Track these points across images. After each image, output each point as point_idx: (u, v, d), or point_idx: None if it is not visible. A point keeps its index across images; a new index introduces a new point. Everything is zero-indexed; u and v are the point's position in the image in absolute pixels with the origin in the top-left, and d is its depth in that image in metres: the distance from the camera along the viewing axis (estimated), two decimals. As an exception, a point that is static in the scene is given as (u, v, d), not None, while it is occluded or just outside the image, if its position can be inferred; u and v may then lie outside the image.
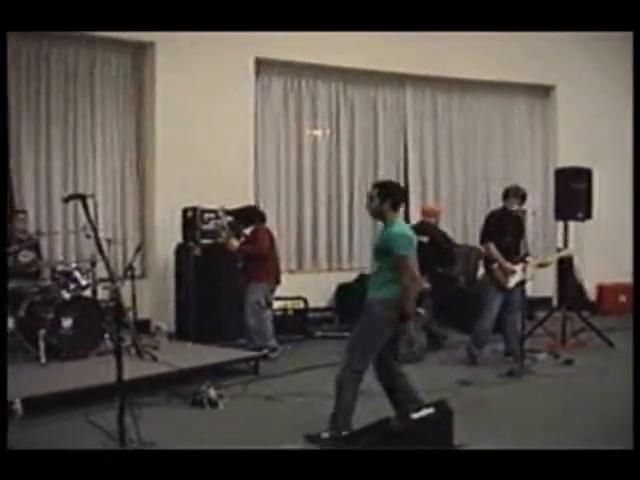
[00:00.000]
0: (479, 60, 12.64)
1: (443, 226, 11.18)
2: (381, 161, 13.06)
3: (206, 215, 10.23)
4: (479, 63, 12.73)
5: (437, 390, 6.98)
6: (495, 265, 8.96)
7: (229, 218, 9.89)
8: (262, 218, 9.55)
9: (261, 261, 9.14)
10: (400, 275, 6.01)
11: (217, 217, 9.83)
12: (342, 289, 12.30)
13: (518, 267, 8.93)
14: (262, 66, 11.97)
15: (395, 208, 6.24)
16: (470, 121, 13.66)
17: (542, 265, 9.70)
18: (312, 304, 11.22)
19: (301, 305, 11.07)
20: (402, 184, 12.87)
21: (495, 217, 9.24)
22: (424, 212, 10.47)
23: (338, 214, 12.78)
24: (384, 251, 6.11)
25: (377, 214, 6.31)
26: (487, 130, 13.79)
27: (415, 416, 5.52)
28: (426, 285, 9.11)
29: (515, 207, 9.05)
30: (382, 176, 12.74)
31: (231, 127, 11.36)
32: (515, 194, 9.19)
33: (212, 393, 7.24)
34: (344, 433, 5.95)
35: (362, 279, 12.22)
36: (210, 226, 10.05)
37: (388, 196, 6.20)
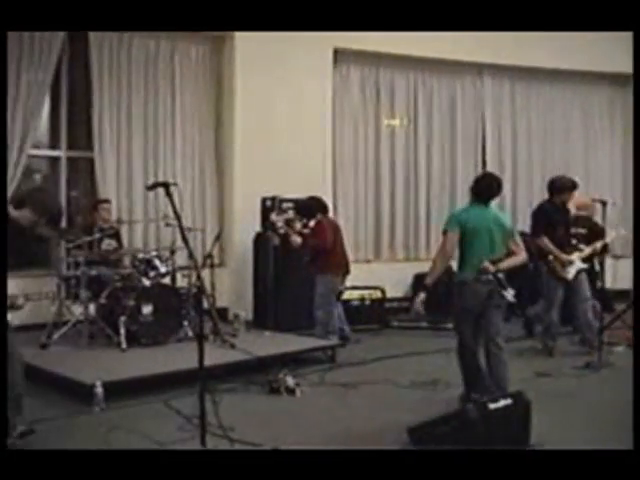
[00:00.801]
0: (557, 48, 12.42)
1: (523, 215, 11.04)
2: (459, 151, 12.99)
3: (284, 205, 10.25)
4: (557, 51, 12.52)
5: (514, 381, 6.91)
6: (551, 257, 8.87)
7: (289, 212, 9.91)
8: (325, 209, 9.45)
9: (326, 253, 9.07)
10: (465, 257, 6.61)
11: (272, 219, 9.78)
12: (419, 279, 12.21)
13: (574, 257, 8.92)
14: (340, 56, 11.97)
15: (475, 197, 6.74)
16: (549, 110, 13.50)
17: (597, 253, 9.45)
18: (389, 294, 11.19)
19: (378, 295, 11.04)
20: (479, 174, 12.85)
21: (545, 211, 9.08)
22: (577, 206, 10.21)
23: (416, 204, 12.74)
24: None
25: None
26: (566, 119, 13.62)
27: (492, 406, 5.49)
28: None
29: (558, 200, 8.97)
30: (459, 166, 12.70)
31: (309, 117, 11.40)
32: (561, 185, 9.03)
33: (289, 381, 7.27)
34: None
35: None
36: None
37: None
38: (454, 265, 6.89)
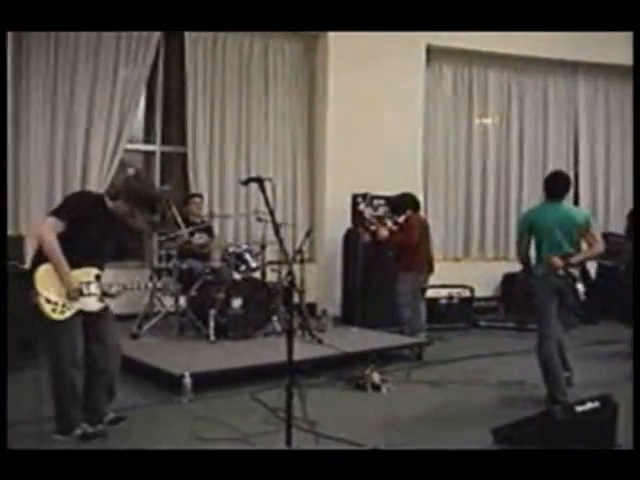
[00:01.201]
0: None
1: (615, 219, 10.84)
2: (550, 150, 12.86)
3: (376, 201, 10.23)
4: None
5: (602, 384, 6.81)
6: None
7: (377, 207, 9.88)
8: (416, 205, 9.40)
9: (411, 250, 9.01)
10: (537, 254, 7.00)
11: (361, 210, 9.75)
12: (508, 279, 12.13)
13: None
14: (433, 54, 11.93)
15: (547, 195, 7.06)
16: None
17: None
18: (478, 293, 11.09)
19: (467, 293, 10.98)
20: (572, 174, 12.66)
21: None
22: None
23: (506, 203, 12.64)
24: None
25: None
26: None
27: (579, 409, 5.42)
28: None
29: None
30: (551, 165, 12.53)
31: (401, 114, 11.38)
32: None
33: (375, 377, 7.27)
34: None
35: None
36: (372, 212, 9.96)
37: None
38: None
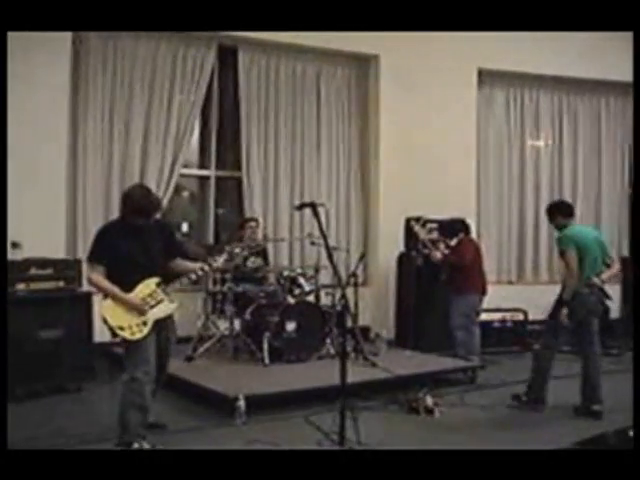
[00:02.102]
0: None
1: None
2: (604, 172, 12.76)
3: (429, 225, 10.24)
4: None
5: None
6: None
7: (430, 231, 9.91)
8: (467, 229, 9.44)
9: (465, 272, 9.01)
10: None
11: (416, 230, 9.77)
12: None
13: None
14: (484, 77, 11.94)
15: (565, 217, 7.57)
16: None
17: None
18: (531, 316, 10.99)
19: (520, 317, 10.93)
20: (626, 197, 12.59)
21: None
22: None
23: (560, 226, 12.53)
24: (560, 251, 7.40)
25: (558, 227, 7.59)
26: None
27: (632, 433, 5.38)
28: None
29: None
30: (604, 187, 12.50)
31: (454, 138, 11.40)
32: None
33: (428, 400, 7.29)
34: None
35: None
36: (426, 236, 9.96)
37: (551, 214, 7.69)
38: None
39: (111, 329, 5.72)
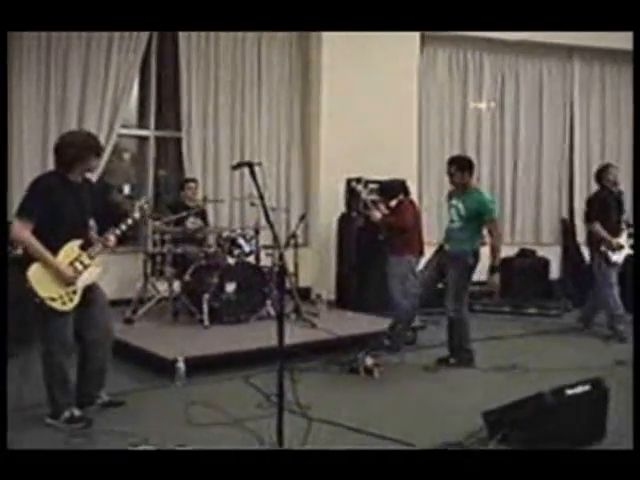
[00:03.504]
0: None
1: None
2: (545, 135, 12.83)
3: (370, 186, 10.20)
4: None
5: (595, 368, 6.88)
6: (604, 243, 9.16)
7: (371, 191, 9.87)
8: (406, 190, 9.42)
9: (404, 234, 8.93)
10: (478, 231, 7.58)
11: (358, 190, 9.74)
12: (503, 263, 12.10)
13: (623, 241, 9.27)
14: (427, 38, 11.90)
15: (472, 176, 7.71)
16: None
17: None
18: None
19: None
20: (567, 159, 12.69)
21: (599, 198, 9.42)
22: None
23: (501, 188, 12.63)
24: (477, 212, 7.47)
25: (461, 185, 7.65)
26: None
27: (570, 392, 5.44)
28: None
29: (611, 185, 9.42)
30: (546, 150, 12.58)
31: (396, 99, 11.35)
32: (607, 173, 9.48)
33: (368, 361, 7.30)
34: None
35: (524, 253, 12.13)
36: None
37: (463, 168, 7.63)
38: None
39: (37, 298, 5.30)
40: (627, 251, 9.27)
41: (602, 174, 9.48)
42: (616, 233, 9.21)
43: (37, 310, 5.38)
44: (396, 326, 8.02)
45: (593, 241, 9.37)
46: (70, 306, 5.43)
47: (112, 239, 5.72)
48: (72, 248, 5.49)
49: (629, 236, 9.32)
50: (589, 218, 9.39)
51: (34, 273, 5.30)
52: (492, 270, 7.65)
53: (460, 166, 7.64)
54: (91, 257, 5.58)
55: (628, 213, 9.68)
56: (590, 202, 9.50)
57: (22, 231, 5.25)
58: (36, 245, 5.27)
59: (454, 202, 7.68)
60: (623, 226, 9.37)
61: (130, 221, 5.90)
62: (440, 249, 7.96)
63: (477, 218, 7.50)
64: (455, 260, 7.62)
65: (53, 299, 5.33)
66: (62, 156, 5.51)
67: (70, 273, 5.40)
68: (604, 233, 9.12)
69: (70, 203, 5.46)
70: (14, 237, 5.35)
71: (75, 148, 5.48)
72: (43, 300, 5.30)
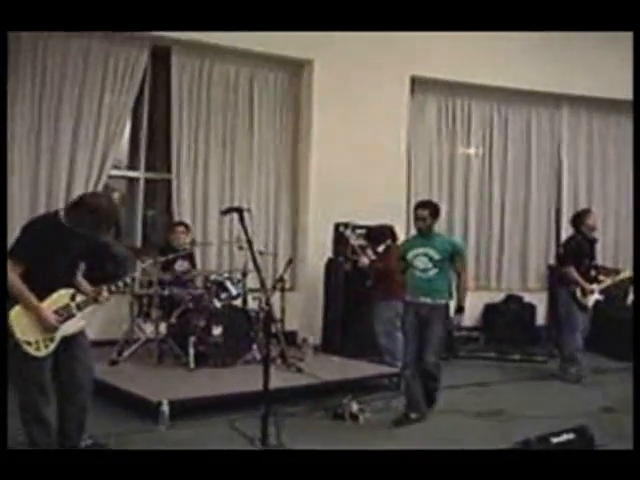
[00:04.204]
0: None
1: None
2: (533, 182, 12.93)
3: (358, 231, 10.23)
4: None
5: (578, 415, 6.91)
6: (576, 287, 9.37)
7: (359, 237, 9.91)
8: (394, 236, 9.50)
9: (391, 278, 8.79)
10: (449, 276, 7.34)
11: (347, 235, 9.78)
12: (489, 309, 12.22)
13: (595, 287, 9.42)
14: (417, 84, 12.01)
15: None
16: (626, 142, 13.25)
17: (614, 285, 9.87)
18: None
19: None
20: (554, 206, 12.79)
21: (575, 242, 9.65)
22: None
23: (489, 234, 12.71)
24: (449, 253, 7.29)
25: (429, 229, 7.39)
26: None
27: (555, 440, 5.47)
28: None
29: (588, 230, 9.63)
30: (534, 197, 12.67)
31: (385, 144, 11.44)
32: (587, 218, 9.69)
33: (354, 407, 7.28)
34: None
35: (511, 300, 12.18)
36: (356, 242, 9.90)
37: (436, 214, 7.46)
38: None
39: (12, 339, 5.21)
40: (597, 297, 9.42)
41: (581, 219, 9.68)
42: (588, 278, 9.39)
43: (12, 351, 5.29)
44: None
45: (564, 283, 9.55)
46: (43, 353, 5.33)
47: (105, 295, 5.64)
48: (63, 296, 5.44)
49: (597, 282, 9.49)
50: (564, 262, 9.60)
51: (17, 314, 5.24)
52: (459, 310, 7.40)
53: (434, 212, 7.42)
54: (79, 308, 5.51)
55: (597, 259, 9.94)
56: (565, 246, 9.77)
57: (9, 272, 5.20)
58: (20, 287, 5.22)
59: (420, 250, 7.35)
60: (593, 272, 9.54)
61: (128, 280, 5.89)
62: (412, 304, 7.43)
63: (449, 260, 7.31)
64: (437, 311, 7.27)
65: (28, 343, 5.25)
66: (77, 212, 5.42)
67: (52, 321, 5.32)
68: (577, 277, 9.31)
69: (60, 249, 5.40)
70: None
71: (94, 217, 5.39)
72: (17, 342, 5.22)
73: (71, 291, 5.49)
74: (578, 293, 9.34)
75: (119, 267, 8.23)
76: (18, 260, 5.25)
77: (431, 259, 7.26)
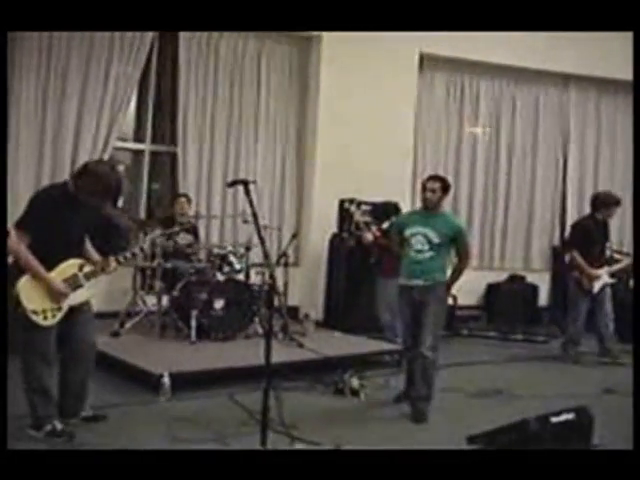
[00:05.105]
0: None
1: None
2: (539, 161, 12.87)
3: (363, 207, 10.19)
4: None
5: (579, 395, 6.91)
6: (581, 272, 9.25)
7: (364, 213, 9.87)
8: (399, 213, 9.47)
9: (394, 255, 8.88)
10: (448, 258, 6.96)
11: (352, 211, 9.75)
12: (492, 288, 12.21)
13: (602, 271, 9.26)
14: (426, 62, 11.96)
15: None
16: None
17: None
18: (461, 301, 11.06)
19: (449, 301, 10.98)
20: (560, 186, 12.76)
21: (582, 226, 9.47)
22: None
23: (493, 213, 12.66)
24: (450, 238, 6.79)
25: (436, 205, 6.90)
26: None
27: (555, 420, 5.46)
28: None
29: (601, 216, 9.37)
30: (539, 177, 12.61)
31: (392, 121, 11.40)
32: (605, 200, 9.41)
33: (354, 382, 7.30)
34: None
35: (513, 279, 12.18)
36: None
37: (447, 190, 6.98)
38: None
39: (20, 308, 5.28)
40: (605, 280, 9.28)
41: (600, 199, 9.45)
42: (596, 264, 9.23)
43: (18, 321, 5.35)
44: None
45: (570, 267, 9.47)
46: (51, 322, 5.40)
47: (113, 265, 5.75)
48: (72, 266, 5.49)
49: (612, 262, 9.46)
50: (569, 245, 9.53)
51: (24, 284, 5.28)
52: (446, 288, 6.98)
53: (445, 187, 6.92)
54: (87, 278, 5.57)
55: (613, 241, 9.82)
56: (572, 229, 9.63)
57: (15, 243, 5.23)
58: (27, 257, 5.25)
59: (420, 229, 6.83)
60: (608, 253, 9.48)
61: (137, 250, 5.94)
62: (405, 287, 6.98)
63: (449, 244, 6.86)
64: (434, 293, 6.79)
65: (35, 312, 5.31)
66: (84, 181, 5.45)
67: (62, 290, 5.38)
68: (582, 262, 9.18)
69: (68, 219, 5.44)
70: (8, 245, 5.27)
71: (101, 185, 5.44)
72: (25, 311, 5.27)
73: (79, 261, 5.54)
74: (581, 278, 9.23)
75: (122, 239, 8.25)
76: (26, 231, 5.29)
77: (429, 241, 6.76)
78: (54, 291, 5.35)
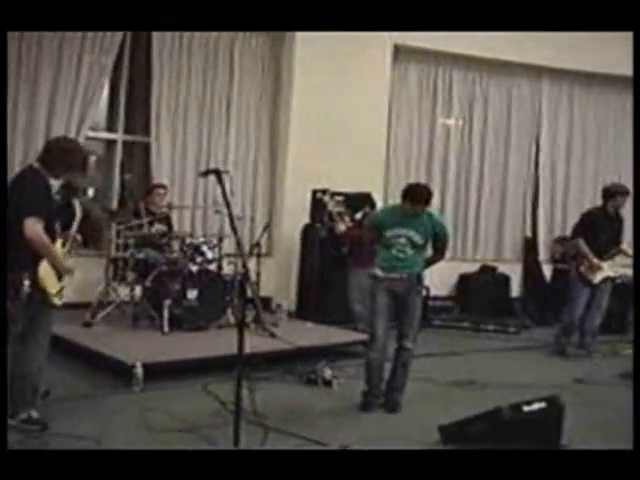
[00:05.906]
0: (618, 54, 12.18)
1: (572, 223, 11.01)
2: (512, 153, 12.95)
3: (336, 198, 10.21)
4: (617, 57, 12.26)
5: (550, 385, 6.97)
6: (583, 260, 9.14)
7: (337, 203, 9.89)
8: (372, 204, 9.51)
9: (367, 246, 8.85)
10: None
11: (325, 201, 9.77)
12: (464, 279, 12.27)
13: (605, 264, 9.13)
14: (400, 53, 11.99)
15: None
16: (606, 117, 13.35)
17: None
18: (433, 292, 11.14)
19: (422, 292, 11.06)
20: (532, 178, 12.83)
21: (590, 216, 9.36)
22: None
23: (466, 205, 12.74)
24: (432, 236, 6.66)
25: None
26: (619, 126, 13.42)
27: (526, 409, 5.53)
28: None
29: (611, 208, 9.22)
30: (512, 169, 12.68)
31: (366, 112, 11.42)
32: (615, 191, 9.29)
33: (327, 373, 7.34)
34: None
35: (485, 270, 12.23)
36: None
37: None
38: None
39: (45, 295, 5.32)
40: (607, 273, 9.13)
41: (609, 191, 9.33)
42: (602, 254, 9.10)
43: (35, 306, 5.34)
44: None
45: (574, 256, 9.34)
46: (61, 302, 5.51)
47: (79, 239, 5.81)
48: (59, 246, 5.52)
49: (612, 258, 9.23)
50: (575, 233, 9.39)
51: (45, 271, 5.32)
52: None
53: (428, 200, 6.56)
54: (70, 254, 5.64)
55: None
56: (581, 217, 9.48)
57: (37, 228, 5.21)
58: (47, 241, 5.29)
59: (402, 232, 6.55)
60: (614, 250, 9.24)
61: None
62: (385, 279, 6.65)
63: (430, 240, 6.70)
64: (415, 286, 6.66)
65: (55, 295, 5.42)
66: (50, 156, 5.47)
67: (70, 265, 5.53)
68: (586, 249, 9.05)
69: (51, 199, 5.43)
70: (30, 235, 5.20)
71: (66, 157, 5.47)
72: (49, 297, 5.35)
73: (60, 240, 5.56)
74: (583, 267, 9.11)
75: (94, 228, 8.22)
76: (39, 215, 5.26)
77: (412, 242, 6.54)
78: (65, 268, 5.47)
